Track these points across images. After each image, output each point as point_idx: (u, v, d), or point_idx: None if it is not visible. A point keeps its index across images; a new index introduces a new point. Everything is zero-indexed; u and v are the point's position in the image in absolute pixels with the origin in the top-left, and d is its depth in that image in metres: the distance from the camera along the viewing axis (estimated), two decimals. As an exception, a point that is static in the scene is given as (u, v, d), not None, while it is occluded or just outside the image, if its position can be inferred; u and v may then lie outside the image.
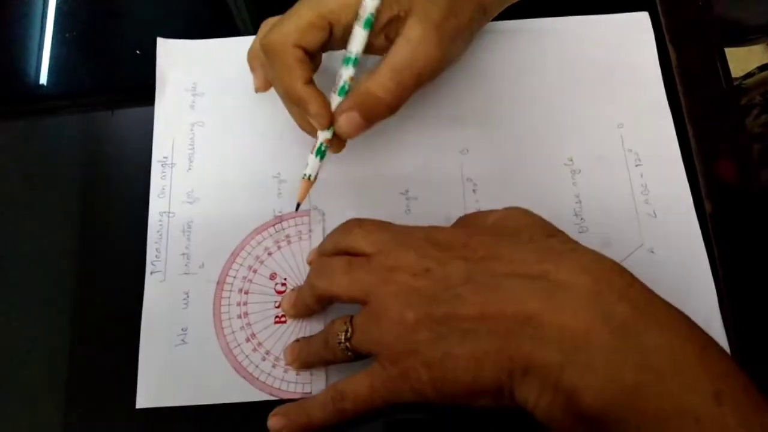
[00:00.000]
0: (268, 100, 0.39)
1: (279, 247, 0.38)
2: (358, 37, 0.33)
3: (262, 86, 0.39)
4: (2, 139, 0.41)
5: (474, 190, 0.39)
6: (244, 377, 0.35)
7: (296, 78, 0.33)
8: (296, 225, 0.39)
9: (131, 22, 0.45)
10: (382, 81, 0.33)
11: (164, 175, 0.40)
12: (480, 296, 0.29)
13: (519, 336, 0.27)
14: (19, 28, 0.45)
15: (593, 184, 0.39)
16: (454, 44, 0.35)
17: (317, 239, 0.38)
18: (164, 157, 0.40)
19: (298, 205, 0.37)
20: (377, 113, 0.34)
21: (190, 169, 0.40)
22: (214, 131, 0.41)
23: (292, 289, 0.37)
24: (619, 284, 0.28)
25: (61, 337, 0.36)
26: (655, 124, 0.41)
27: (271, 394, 0.35)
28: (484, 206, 0.39)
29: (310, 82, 0.33)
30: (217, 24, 0.45)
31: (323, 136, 0.35)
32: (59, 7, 0.45)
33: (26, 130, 0.42)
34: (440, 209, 0.39)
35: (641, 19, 0.43)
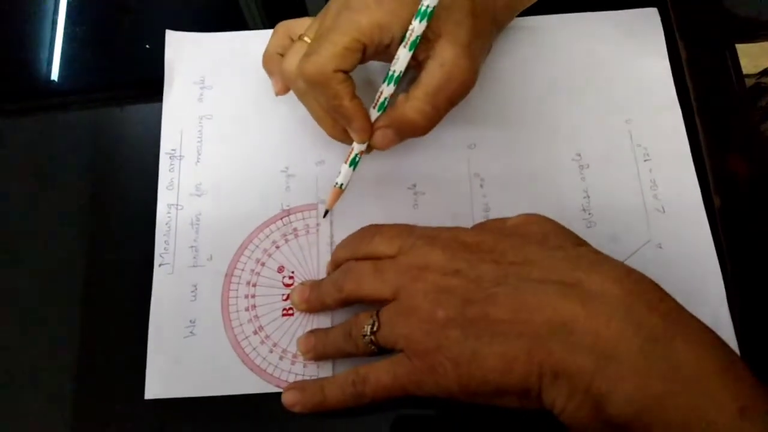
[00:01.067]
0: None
1: (286, 241, 0.38)
2: (402, 58, 0.33)
3: (283, 90, 0.38)
4: (15, 134, 0.42)
5: (481, 185, 0.39)
6: (252, 369, 0.35)
7: (342, 97, 0.33)
8: (304, 219, 0.39)
9: (141, 17, 0.45)
10: (418, 105, 0.34)
11: (172, 168, 0.40)
12: (513, 299, 0.29)
13: (550, 340, 0.28)
14: (31, 23, 0.45)
15: (601, 180, 0.39)
16: (480, 63, 0.36)
17: (325, 233, 0.38)
18: (172, 150, 0.40)
19: (327, 212, 0.38)
20: (411, 133, 0.35)
21: (198, 162, 0.40)
22: (222, 124, 0.41)
23: (302, 283, 0.37)
24: (651, 297, 0.28)
25: (71, 329, 0.37)
26: (665, 119, 0.40)
27: (279, 386, 0.35)
28: (492, 201, 0.39)
29: (355, 96, 0.34)
30: (226, 17, 0.45)
31: (359, 148, 0.36)
32: (70, 2, 0.45)
33: (37, 125, 0.42)
34: (448, 204, 0.39)
35: (650, 15, 0.43)
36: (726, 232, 0.38)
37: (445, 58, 0.33)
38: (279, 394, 0.34)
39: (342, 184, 0.37)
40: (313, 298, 0.35)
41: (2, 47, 0.45)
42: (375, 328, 0.31)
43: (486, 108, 0.41)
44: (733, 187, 0.39)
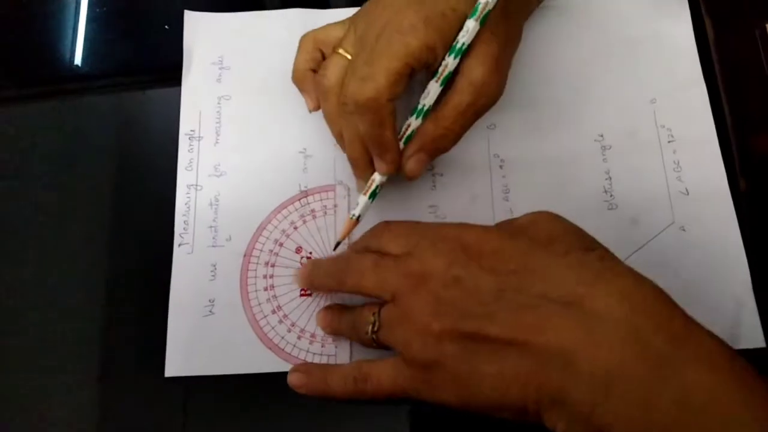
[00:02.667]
0: (295, 74, 0.39)
1: (304, 222, 0.38)
2: (433, 93, 0.33)
3: (317, 107, 0.38)
4: (39, 117, 0.42)
5: (501, 166, 0.39)
6: (270, 348, 0.36)
7: (387, 127, 0.33)
8: (321, 200, 0.39)
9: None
10: (447, 124, 0.33)
11: (191, 148, 0.40)
12: (511, 318, 0.28)
13: (549, 366, 0.26)
14: (54, 5, 0.45)
15: (624, 161, 0.39)
16: (509, 67, 0.35)
17: (342, 214, 0.38)
18: (191, 131, 0.40)
19: (338, 244, 0.37)
20: (442, 151, 0.35)
21: (217, 142, 0.40)
22: (240, 105, 0.41)
23: (304, 265, 0.36)
24: (659, 314, 0.27)
25: (92, 308, 0.37)
26: (690, 99, 0.40)
27: (288, 372, 0.35)
28: (512, 183, 0.38)
29: (396, 128, 0.33)
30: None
31: (380, 179, 0.35)
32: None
33: (60, 108, 0.42)
34: (466, 186, 0.39)
35: (677, -8, 0.42)
36: (752, 214, 0.37)
37: (475, 77, 0.32)
38: (296, 373, 0.34)
39: (359, 216, 0.36)
40: (310, 281, 0.35)
41: (26, 32, 0.45)
42: (376, 328, 0.31)
43: (506, 88, 0.40)
44: (759, 169, 0.38)
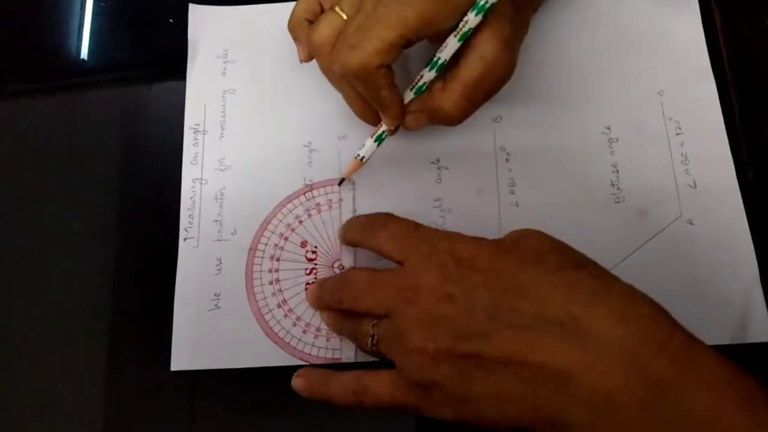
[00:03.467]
0: (300, 68, 0.38)
1: (309, 216, 0.38)
2: (450, 47, 0.33)
3: (308, 58, 0.37)
4: (46, 111, 0.42)
5: (507, 159, 0.39)
6: (276, 342, 0.36)
7: (382, 87, 0.33)
8: (326, 194, 0.39)
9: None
10: (455, 98, 0.33)
11: (196, 142, 0.40)
12: (505, 338, 0.27)
13: (545, 388, 0.26)
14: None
15: (631, 153, 0.38)
16: (518, 52, 0.35)
17: (347, 208, 0.38)
18: (196, 125, 0.40)
19: (342, 181, 0.38)
20: (443, 122, 0.35)
21: (222, 136, 0.40)
22: (245, 99, 0.41)
23: (316, 282, 0.37)
24: (658, 335, 0.26)
25: (98, 302, 0.37)
26: (698, 90, 0.39)
27: (302, 359, 0.35)
28: (518, 176, 0.38)
29: (394, 85, 0.33)
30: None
31: (386, 126, 0.35)
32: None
33: (66, 101, 0.42)
34: (472, 179, 0.38)
35: (685, -18, 0.41)
36: (760, 207, 0.37)
37: (486, 52, 0.32)
38: (302, 367, 0.34)
39: (364, 157, 0.36)
40: (319, 299, 0.36)
41: (33, 26, 0.45)
42: (375, 341, 0.31)
43: (512, 80, 0.40)
44: (768, 161, 0.37)
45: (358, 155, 0.36)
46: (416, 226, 0.33)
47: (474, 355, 0.27)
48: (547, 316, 0.27)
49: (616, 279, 0.28)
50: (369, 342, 0.31)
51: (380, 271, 0.32)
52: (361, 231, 0.35)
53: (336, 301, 0.33)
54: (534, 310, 0.27)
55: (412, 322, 0.29)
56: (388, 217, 0.34)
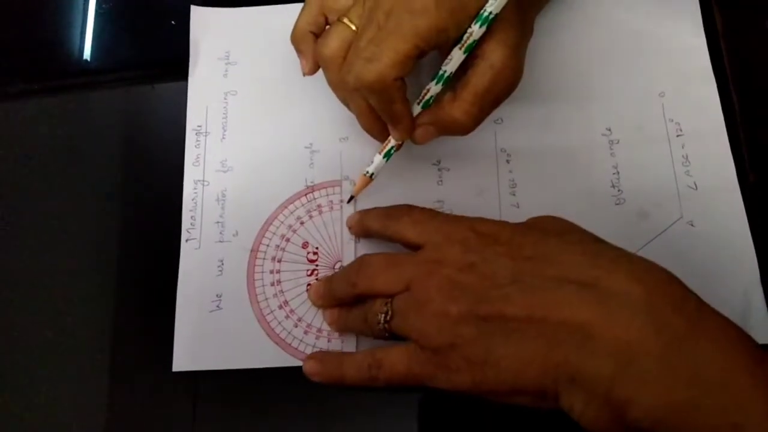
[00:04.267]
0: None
1: (311, 217, 0.38)
2: (456, 60, 0.33)
3: (312, 70, 0.37)
4: (48, 112, 0.42)
5: (508, 161, 0.39)
6: (277, 343, 0.36)
7: (395, 101, 0.33)
8: (328, 195, 0.39)
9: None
10: (464, 106, 0.33)
11: (198, 144, 0.40)
12: (528, 298, 0.28)
13: (567, 344, 0.27)
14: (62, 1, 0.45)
15: (632, 155, 0.38)
16: (524, 60, 0.35)
17: (348, 209, 0.38)
18: (198, 126, 0.40)
19: (351, 198, 0.38)
20: (454, 132, 0.35)
21: (223, 138, 0.40)
22: (246, 100, 0.41)
23: (319, 280, 0.37)
24: (673, 296, 0.27)
25: (100, 303, 0.37)
26: (699, 92, 0.39)
27: (303, 360, 0.35)
28: (518, 177, 0.38)
29: (406, 99, 0.33)
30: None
31: (395, 141, 0.35)
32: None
33: (69, 102, 0.42)
34: (473, 181, 0.38)
35: (686, -17, 0.41)
36: (761, 209, 0.37)
37: (495, 60, 0.32)
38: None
39: (372, 174, 0.36)
40: (327, 293, 0.35)
41: (35, 27, 0.45)
42: (388, 317, 0.31)
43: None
44: (769, 163, 0.38)
45: (367, 172, 0.36)
46: (437, 212, 0.34)
47: (496, 316, 0.28)
48: (569, 277, 0.28)
49: (631, 253, 0.29)
50: (382, 318, 0.31)
51: (397, 253, 0.32)
52: (384, 218, 0.35)
53: (349, 286, 0.33)
54: (555, 273, 0.28)
55: (433, 290, 0.30)
56: (410, 206, 0.35)
